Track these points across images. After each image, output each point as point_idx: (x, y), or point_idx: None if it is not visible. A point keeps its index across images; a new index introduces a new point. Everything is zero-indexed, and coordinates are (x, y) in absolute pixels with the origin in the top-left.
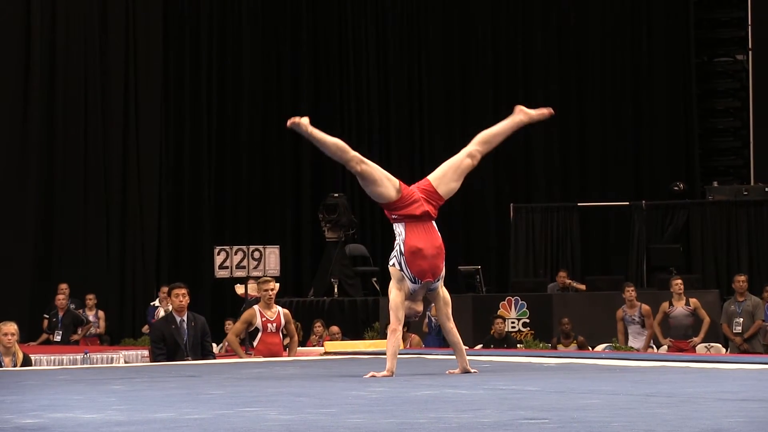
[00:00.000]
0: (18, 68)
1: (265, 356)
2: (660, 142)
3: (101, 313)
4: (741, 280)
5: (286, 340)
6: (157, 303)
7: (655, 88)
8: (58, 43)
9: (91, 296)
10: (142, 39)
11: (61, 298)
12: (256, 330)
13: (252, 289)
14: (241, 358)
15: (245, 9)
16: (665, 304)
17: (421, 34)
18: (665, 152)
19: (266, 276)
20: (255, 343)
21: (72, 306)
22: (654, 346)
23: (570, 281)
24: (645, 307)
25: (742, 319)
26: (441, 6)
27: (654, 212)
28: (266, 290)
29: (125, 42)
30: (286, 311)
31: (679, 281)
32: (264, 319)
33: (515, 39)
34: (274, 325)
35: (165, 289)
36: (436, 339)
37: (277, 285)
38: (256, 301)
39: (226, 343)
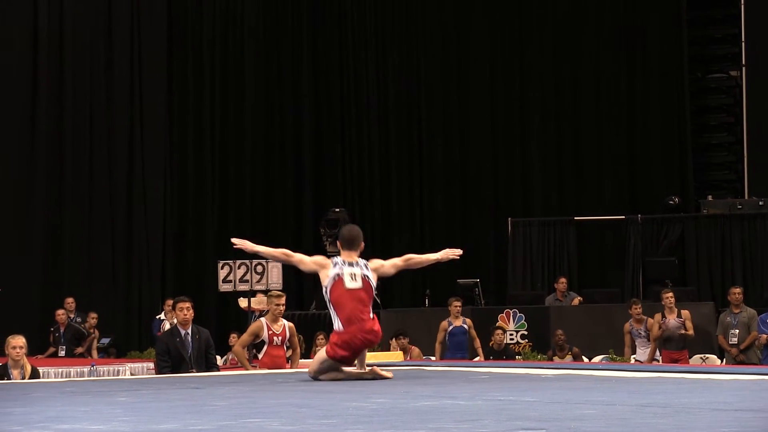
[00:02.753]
0: (26, 89)
1: (269, 368)
2: (655, 158)
3: (97, 332)
4: (736, 293)
5: (289, 353)
6: (162, 316)
7: (650, 104)
8: (65, 69)
9: (93, 315)
10: (147, 61)
11: (60, 314)
12: (262, 342)
13: (255, 302)
14: (247, 369)
15: (247, 26)
16: (657, 316)
17: (419, 49)
18: (660, 167)
19: (277, 290)
20: (260, 356)
21: (78, 320)
22: (658, 359)
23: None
24: (650, 320)
25: (737, 331)
26: (439, 30)
27: (649, 226)
28: (278, 304)
29: (130, 64)
30: (291, 325)
31: (670, 294)
32: (270, 332)
33: (512, 53)
34: (280, 338)
35: (170, 302)
36: (457, 353)
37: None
38: (260, 315)
39: (230, 356)
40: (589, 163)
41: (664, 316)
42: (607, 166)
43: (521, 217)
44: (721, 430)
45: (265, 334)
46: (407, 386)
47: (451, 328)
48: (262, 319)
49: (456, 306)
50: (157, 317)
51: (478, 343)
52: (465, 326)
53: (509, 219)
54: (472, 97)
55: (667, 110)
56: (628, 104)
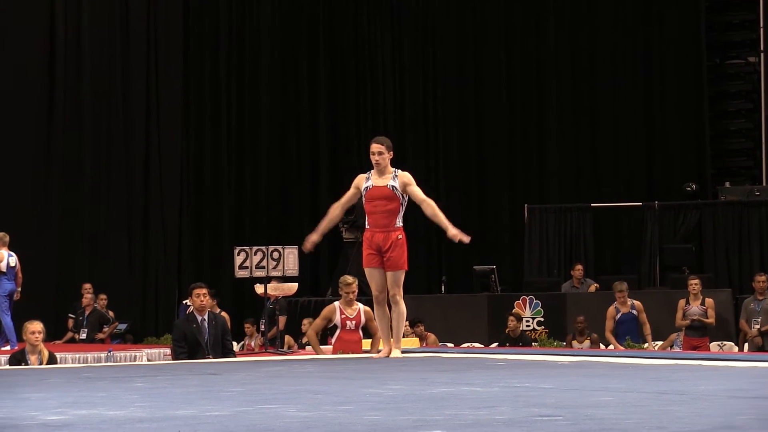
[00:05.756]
0: (44, 79)
1: (342, 353)
2: (672, 144)
3: (111, 313)
4: (761, 280)
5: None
6: (188, 302)
7: (667, 90)
8: (82, 63)
9: (103, 296)
10: (164, 51)
11: (89, 297)
12: (335, 327)
13: (271, 289)
14: (318, 354)
15: (264, 21)
16: (682, 302)
17: (436, 40)
18: (677, 153)
19: (348, 278)
20: (333, 341)
21: (96, 305)
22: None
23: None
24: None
25: (760, 318)
26: (455, 20)
27: (666, 213)
28: (347, 292)
29: (146, 53)
30: (368, 309)
31: (697, 281)
32: (344, 316)
33: (528, 40)
34: (354, 322)
35: None
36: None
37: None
38: (276, 301)
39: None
40: (606, 150)
41: (688, 303)
42: (624, 153)
43: (538, 203)
44: (738, 417)
45: (337, 318)
46: (424, 373)
47: (618, 315)
48: (336, 303)
49: (622, 291)
50: (184, 302)
51: (648, 329)
52: (634, 312)
53: (526, 205)
54: (488, 84)
55: (685, 96)
56: (646, 91)
